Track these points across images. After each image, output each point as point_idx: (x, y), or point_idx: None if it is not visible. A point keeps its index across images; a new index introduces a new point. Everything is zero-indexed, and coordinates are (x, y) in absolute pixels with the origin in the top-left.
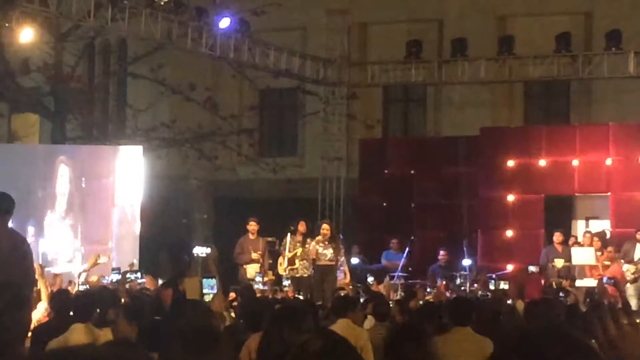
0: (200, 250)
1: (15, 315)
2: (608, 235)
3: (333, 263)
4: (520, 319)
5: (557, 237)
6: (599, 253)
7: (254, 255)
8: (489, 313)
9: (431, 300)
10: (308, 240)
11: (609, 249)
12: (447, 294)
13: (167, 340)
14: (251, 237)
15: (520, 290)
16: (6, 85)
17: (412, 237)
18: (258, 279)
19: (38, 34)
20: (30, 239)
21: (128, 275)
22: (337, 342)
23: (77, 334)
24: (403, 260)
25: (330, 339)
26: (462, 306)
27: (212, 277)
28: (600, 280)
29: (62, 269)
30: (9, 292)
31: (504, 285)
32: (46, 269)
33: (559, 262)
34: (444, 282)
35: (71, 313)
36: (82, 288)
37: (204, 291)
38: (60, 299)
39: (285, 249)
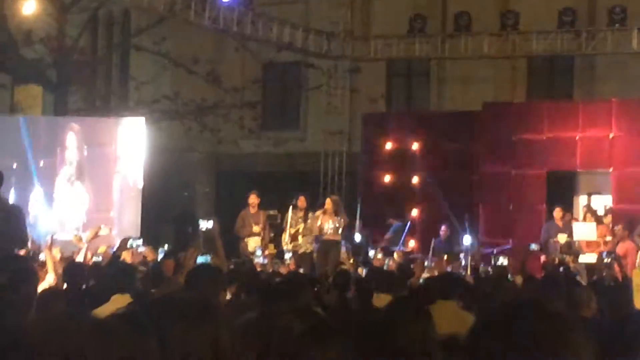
0: (203, 224)
1: (21, 288)
2: (602, 211)
3: (337, 237)
4: (519, 294)
5: (557, 212)
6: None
7: (255, 229)
8: (487, 288)
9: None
10: (310, 214)
11: (619, 227)
12: (449, 269)
13: (166, 314)
14: (252, 210)
15: (521, 266)
16: (9, 56)
17: (414, 212)
18: (258, 252)
19: (41, 6)
20: (31, 208)
21: (130, 242)
22: (320, 323)
23: (118, 305)
24: (404, 234)
25: (313, 320)
26: (448, 281)
27: (206, 255)
28: (600, 255)
29: (70, 236)
30: (14, 265)
31: (503, 261)
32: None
33: (562, 238)
34: (446, 257)
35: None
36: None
37: None
38: (74, 271)
39: (287, 224)
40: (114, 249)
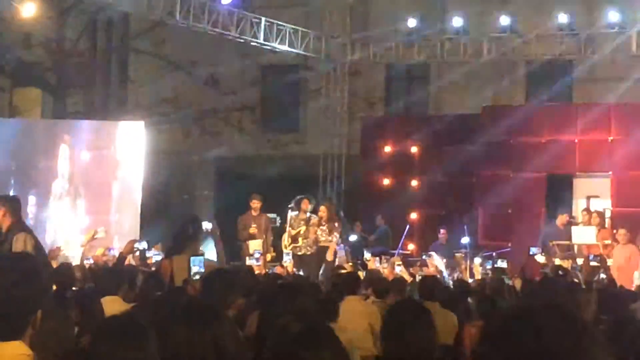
0: (205, 225)
1: (29, 287)
2: (608, 214)
3: (332, 244)
4: (517, 297)
5: (561, 219)
6: (596, 231)
7: (252, 230)
8: (487, 291)
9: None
10: (312, 218)
11: (622, 231)
12: (449, 272)
13: (167, 315)
14: (253, 213)
15: (521, 270)
16: (8, 59)
17: (413, 215)
18: (256, 255)
19: (40, 9)
20: (31, 209)
21: (136, 245)
22: (317, 325)
23: (109, 306)
24: (403, 237)
25: (309, 322)
26: (429, 283)
27: (201, 255)
28: (587, 258)
29: (65, 245)
30: (22, 264)
31: (501, 264)
32: (48, 243)
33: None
34: (445, 261)
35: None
36: (85, 262)
37: (194, 270)
38: (63, 273)
39: (288, 226)
40: (110, 250)
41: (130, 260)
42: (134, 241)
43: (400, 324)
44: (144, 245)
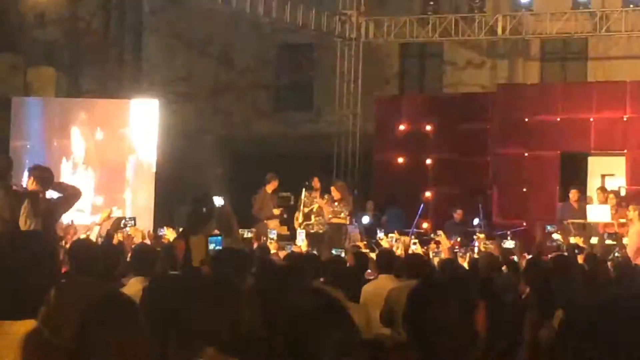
0: (217, 202)
1: (46, 266)
2: (623, 193)
3: (342, 221)
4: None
5: (573, 194)
6: (613, 211)
7: (276, 211)
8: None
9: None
10: (326, 196)
11: (631, 207)
12: (462, 251)
13: (183, 294)
14: (269, 191)
15: (537, 248)
16: (22, 38)
17: (427, 194)
18: (271, 235)
19: None
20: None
21: (123, 222)
22: (329, 303)
23: (135, 287)
24: (417, 216)
25: (322, 298)
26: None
27: (218, 235)
28: (602, 236)
29: (77, 219)
30: (39, 242)
31: (508, 244)
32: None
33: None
34: (458, 239)
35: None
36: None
37: (212, 248)
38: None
39: (301, 204)
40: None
41: (145, 238)
42: (121, 218)
43: (424, 305)
44: (130, 222)
